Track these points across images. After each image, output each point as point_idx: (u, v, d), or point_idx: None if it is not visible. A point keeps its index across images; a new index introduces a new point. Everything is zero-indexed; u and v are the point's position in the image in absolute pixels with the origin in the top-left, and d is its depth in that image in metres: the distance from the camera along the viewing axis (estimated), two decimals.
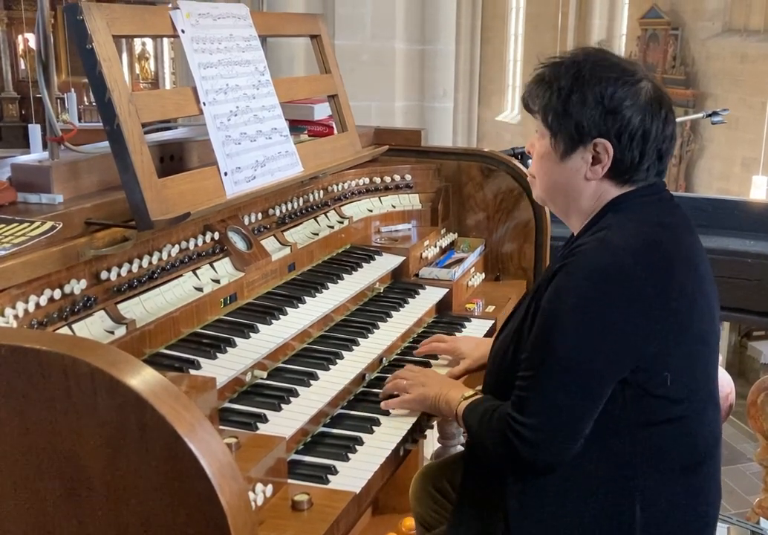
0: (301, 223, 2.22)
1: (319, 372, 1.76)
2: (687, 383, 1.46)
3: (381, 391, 1.82)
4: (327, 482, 1.48)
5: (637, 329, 1.40)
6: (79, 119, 12.84)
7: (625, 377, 1.41)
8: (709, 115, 4.15)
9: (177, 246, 1.74)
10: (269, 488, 1.37)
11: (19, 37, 15.37)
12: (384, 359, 1.99)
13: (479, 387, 1.71)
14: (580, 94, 1.47)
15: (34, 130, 9.33)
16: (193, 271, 1.79)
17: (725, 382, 2.05)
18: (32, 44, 14.34)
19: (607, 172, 1.51)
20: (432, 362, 2.03)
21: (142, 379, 1.02)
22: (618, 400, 1.42)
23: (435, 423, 1.87)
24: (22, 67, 15.47)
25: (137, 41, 16.19)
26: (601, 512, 1.46)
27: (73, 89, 12.00)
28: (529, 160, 3.07)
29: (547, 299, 1.45)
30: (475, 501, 1.60)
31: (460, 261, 2.51)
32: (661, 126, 1.49)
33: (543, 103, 1.53)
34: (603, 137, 1.48)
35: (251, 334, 1.75)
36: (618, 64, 1.51)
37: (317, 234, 2.24)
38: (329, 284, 2.09)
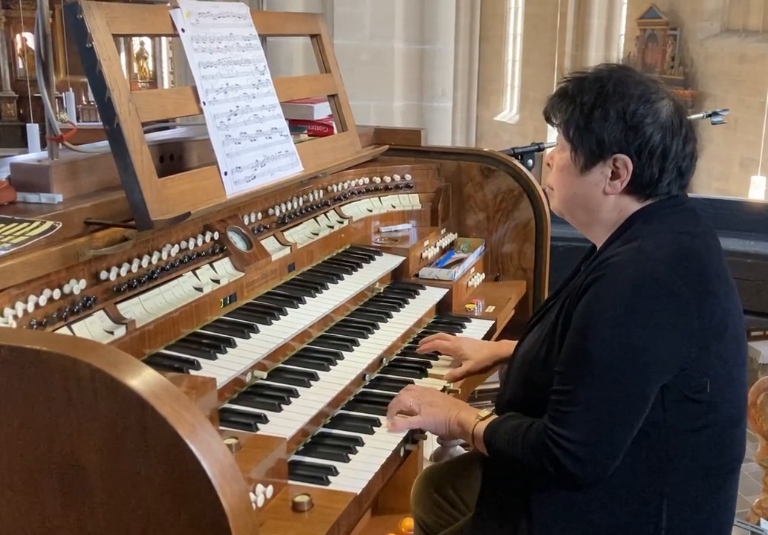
0: (301, 223, 2.22)
1: (319, 372, 1.75)
2: (724, 387, 1.47)
3: (381, 391, 1.82)
4: (327, 483, 1.47)
5: (677, 337, 1.40)
6: (78, 119, 12.82)
7: (665, 382, 1.41)
8: (709, 116, 4.15)
9: (177, 246, 1.74)
10: (269, 489, 1.37)
11: (17, 37, 15.35)
12: (384, 359, 1.99)
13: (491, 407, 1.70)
14: (602, 109, 1.49)
15: (33, 130, 9.31)
16: (193, 271, 1.78)
17: None
18: (30, 44, 14.33)
19: (627, 187, 1.52)
20: (432, 362, 2.02)
21: (143, 380, 1.01)
22: (657, 405, 1.42)
23: None
24: (20, 66, 15.44)
25: (135, 40, 16.17)
26: (627, 515, 1.46)
27: (71, 88, 11.98)
28: (530, 160, 3.08)
29: (582, 310, 1.44)
30: (497, 507, 1.59)
31: (460, 261, 2.51)
32: (681, 144, 1.51)
33: (565, 117, 1.54)
34: (623, 153, 1.50)
35: (251, 334, 1.74)
36: (641, 81, 1.53)
37: (317, 234, 2.24)
38: (329, 284, 2.08)
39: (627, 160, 1.50)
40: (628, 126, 1.48)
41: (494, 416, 1.61)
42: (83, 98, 14.23)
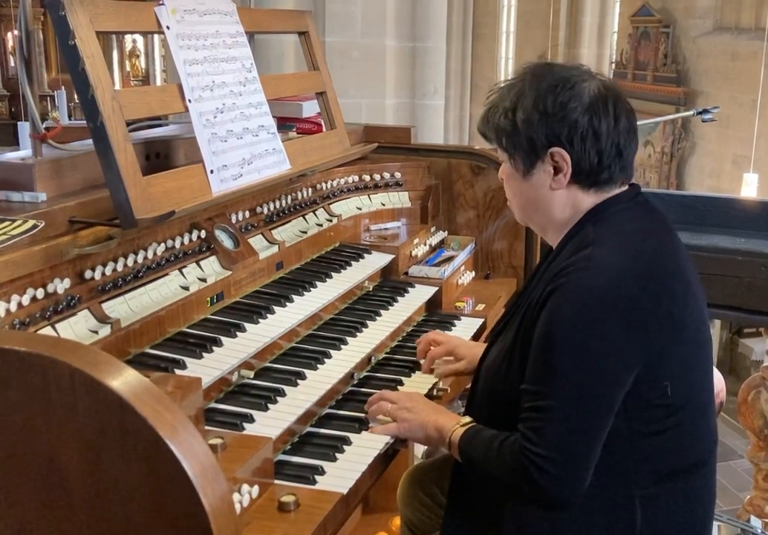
0: (289, 221, 2.21)
1: (307, 371, 1.74)
2: (686, 389, 1.46)
3: (369, 390, 1.81)
4: (314, 482, 1.46)
5: (637, 341, 1.39)
6: (70, 117, 12.72)
7: (628, 389, 1.40)
8: (700, 113, 4.16)
9: (163, 245, 1.72)
10: (255, 489, 1.36)
11: (9, 35, 15.28)
12: (373, 358, 1.98)
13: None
14: (522, 109, 1.48)
15: (23, 128, 9.22)
16: (180, 270, 1.77)
17: (716, 380, 2.05)
18: None
19: (571, 178, 1.50)
20: (422, 361, 2.01)
21: (124, 380, 1.00)
22: (620, 413, 1.40)
23: None
24: (12, 64, 15.37)
25: (128, 38, 16.14)
26: (602, 518, 1.45)
27: (63, 86, 11.91)
28: None
29: (542, 326, 1.42)
30: (467, 515, 1.58)
31: (449, 259, 2.50)
32: (612, 122, 1.47)
33: (494, 127, 1.54)
34: (556, 146, 1.47)
35: (238, 333, 1.73)
36: (557, 72, 1.50)
37: (305, 232, 2.23)
38: (317, 283, 2.07)
39: (563, 152, 1.47)
40: (550, 117, 1.46)
41: (474, 423, 1.57)
42: (75, 96, 14.15)
